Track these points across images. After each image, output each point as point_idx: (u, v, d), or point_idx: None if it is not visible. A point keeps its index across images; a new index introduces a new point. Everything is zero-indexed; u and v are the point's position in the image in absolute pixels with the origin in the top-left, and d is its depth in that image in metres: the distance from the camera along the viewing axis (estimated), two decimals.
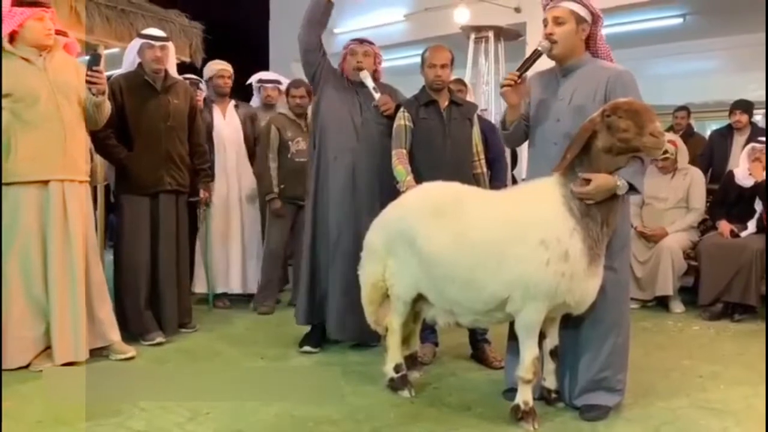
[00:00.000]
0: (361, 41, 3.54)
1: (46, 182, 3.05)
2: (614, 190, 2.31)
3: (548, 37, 2.52)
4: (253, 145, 4.69)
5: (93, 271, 3.25)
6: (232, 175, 4.59)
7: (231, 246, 4.59)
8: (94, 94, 3.13)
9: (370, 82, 3.39)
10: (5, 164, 2.99)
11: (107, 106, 3.27)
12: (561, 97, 2.57)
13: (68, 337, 3.09)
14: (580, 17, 2.52)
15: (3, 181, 3.00)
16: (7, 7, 2.99)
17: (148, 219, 3.61)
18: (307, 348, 3.46)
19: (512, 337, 2.64)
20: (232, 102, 4.73)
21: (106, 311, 3.31)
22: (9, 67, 2.99)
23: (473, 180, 3.26)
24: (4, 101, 2.97)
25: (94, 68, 3.11)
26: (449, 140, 3.23)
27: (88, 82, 3.10)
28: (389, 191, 3.23)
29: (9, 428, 2.41)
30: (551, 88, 2.62)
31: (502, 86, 2.57)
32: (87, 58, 3.24)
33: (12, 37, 3.03)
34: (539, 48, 2.54)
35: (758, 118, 6.33)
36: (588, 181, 2.30)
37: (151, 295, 3.64)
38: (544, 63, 2.69)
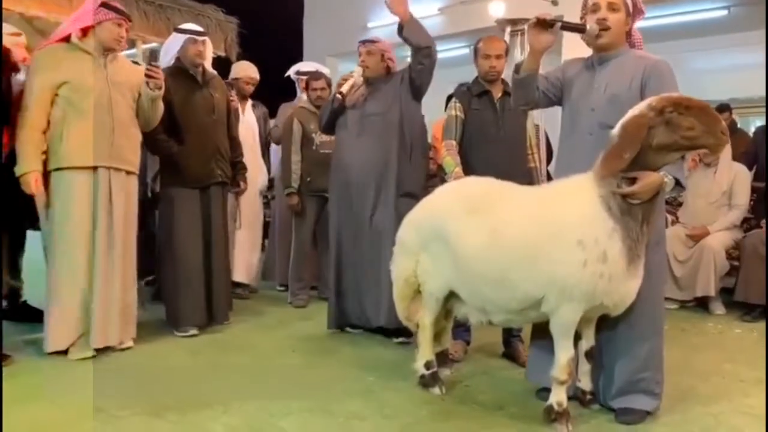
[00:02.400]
0: (365, 42, 3.67)
1: (95, 169, 3.14)
2: (661, 187, 2.23)
3: (601, 22, 2.43)
4: (266, 143, 5.06)
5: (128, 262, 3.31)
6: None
7: (243, 238, 4.75)
8: (151, 89, 3.25)
9: (353, 80, 3.59)
10: (59, 150, 3.09)
11: (161, 105, 3.39)
12: (596, 87, 2.50)
13: (108, 322, 3.18)
14: (628, 9, 2.47)
15: (56, 166, 3.11)
16: (95, 5, 3.14)
17: (200, 211, 3.68)
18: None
19: (535, 334, 2.65)
20: (250, 102, 4.90)
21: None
22: (72, 57, 3.13)
23: (527, 174, 3.23)
24: (62, 89, 3.08)
25: (153, 63, 3.28)
26: (503, 132, 3.21)
27: (147, 75, 3.24)
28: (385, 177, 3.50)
29: (47, 409, 2.47)
30: (586, 77, 2.55)
31: (534, 19, 2.40)
32: (148, 47, 3.34)
33: (85, 33, 3.16)
34: (588, 27, 2.44)
35: None
36: (633, 179, 2.22)
37: (203, 287, 3.68)
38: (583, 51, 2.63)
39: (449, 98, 3.34)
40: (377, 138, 3.56)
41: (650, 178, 2.21)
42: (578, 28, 2.48)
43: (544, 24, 2.40)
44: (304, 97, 4.87)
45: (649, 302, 2.44)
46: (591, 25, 2.45)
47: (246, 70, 4.81)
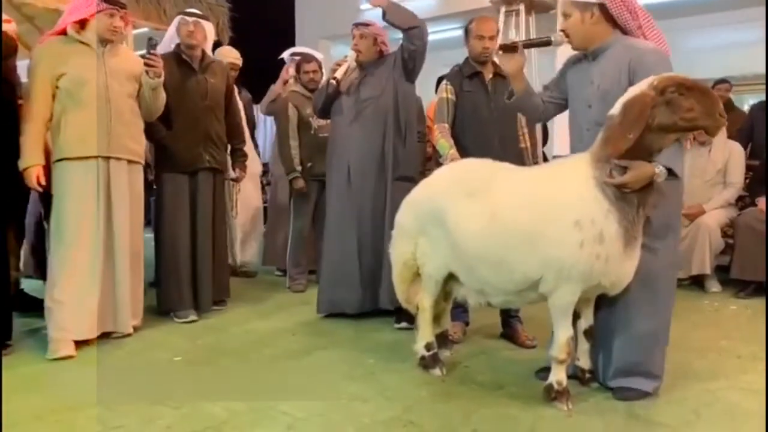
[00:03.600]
0: (357, 25, 3.66)
1: (93, 159, 3.13)
2: (652, 178, 2.21)
3: (563, 31, 2.49)
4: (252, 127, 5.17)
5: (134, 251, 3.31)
6: None
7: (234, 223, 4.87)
8: (151, 78, 3.26)
9: (347, 65, 3.60)
10: (57, 142, 3.09)
11: (162, 94, 3.38)
12: (590, 82, 2.50)
13: (109, 308, 3.19)
14: (583, 5, 2.43)
15: (56, 158, 3.11)
16: None
17: (188, 197, 3.67)
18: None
19: None
20: (235, 89, 4.85)
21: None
22: (70, 50, 3.14)
23: (519, 154, 3.25)
24: (61, 81, 3.08)
25: (152, 52, 3.27)
26: (495, 113, 3.20)
27: (146, 64, 3.25)
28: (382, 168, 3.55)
29: (46, 401, 2.47)
30: (583, 73, 2.55)
31: (498, 47, 2.56)
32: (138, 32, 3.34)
33: (82, 25, 3.16)
34: (552, 38, 2.50)
35: None
36: (624, 168, 2.21)
37: (190, 273, 3.68)
38: None
39: (440, 80, 3.32)
40: (373, 123, 3.57)
41: (641, 169, 2.19)
42: (543, 43, 2.52)
43: (509, 49, 2.48)
44: (291, 71, 4.85)
45: (651, 285, 2.41)
46: (555, 37, 2.50)
47: (226, 56, 4.75)
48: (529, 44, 2.56)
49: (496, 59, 3.00)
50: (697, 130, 2.28)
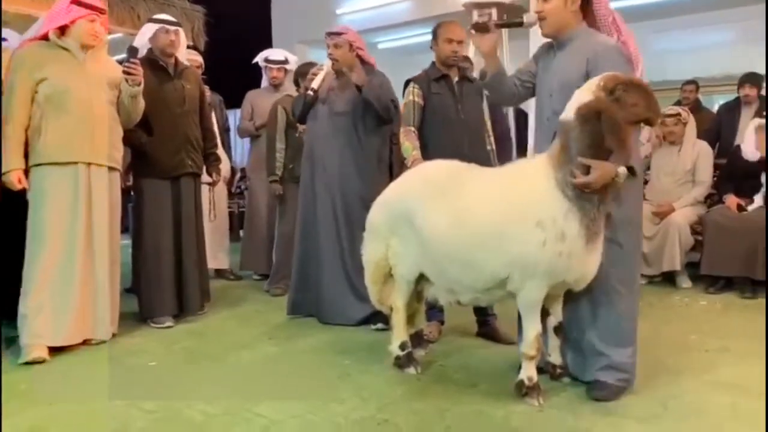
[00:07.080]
0: (330, 34, 3.66)
1: (74, 164, 3.12)
2: (613, 177, 2.24)
3: (538, 14, 2.51)
4: (223, 130, 5.15)
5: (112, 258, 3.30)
6: None
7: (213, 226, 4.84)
8: (130, 85, 3.25)
9: (323, 74, 3.63)
10: (37, 146, 3.08)
11: (141, 102, 3.37)
12: (552, 71, 2.55)
13: (88, 315, 3.17)
14: None
15: (34, 162, 3.10)
16: (66, 3, 3.15)
17: (170, 202, 3.67)
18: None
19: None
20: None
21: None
22: (52, 55, 3.13)
23: (486, 156, 3.31)
24: (41, 86, 3.07)
25: (132, 60, 3.26)
26: (463, 115, 3.25)
27: (125, 72, 3.24)
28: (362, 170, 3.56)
29: (22, 407, 2.46)
30: (548, 62, 2.60)
31: (471, 26, 2.57)
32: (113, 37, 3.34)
33: (63, 31, 3.16)
34: (524, 19, 2.52)
35: None
36: (587, 168, 2.25)
37: (174, 278, 3.68)
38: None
39: (407, 83, 3.35)
40: (343, 138, 3.62)
41: (603, 169, 2.23)
42: (514, 24, 2.56)
43: (481, 28, 2.51)
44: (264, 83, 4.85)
45: (616, 278, 2.47)
46: (527, 17, 2.52)
47: (187, 55, 4.78)
48: (501, 24, 2.59)
49: (470, 47, 3.03)
50: (640, 122, 2.35)
